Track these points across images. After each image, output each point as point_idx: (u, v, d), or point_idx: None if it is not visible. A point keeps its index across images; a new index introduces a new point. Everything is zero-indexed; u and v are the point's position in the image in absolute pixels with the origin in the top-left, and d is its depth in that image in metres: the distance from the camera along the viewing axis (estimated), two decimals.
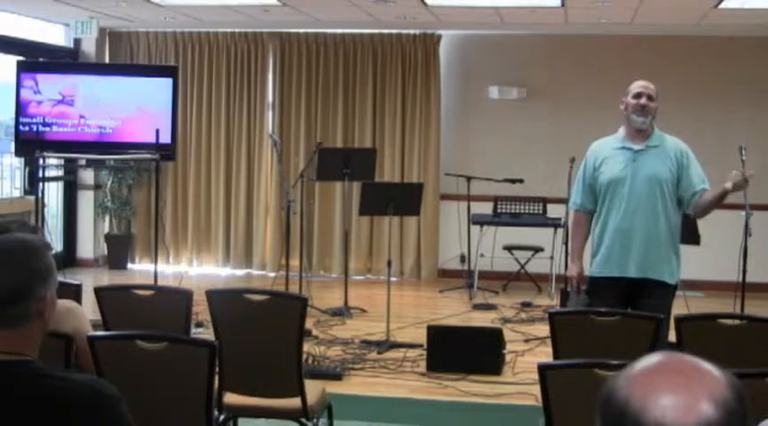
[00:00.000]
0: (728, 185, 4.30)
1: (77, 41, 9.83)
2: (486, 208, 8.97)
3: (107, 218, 10.07)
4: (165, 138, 7.61)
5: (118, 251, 9.95)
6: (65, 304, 2.98)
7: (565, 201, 7.79)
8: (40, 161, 7.38)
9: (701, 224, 6.33)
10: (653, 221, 4.40)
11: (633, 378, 1.08)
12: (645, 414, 1.03)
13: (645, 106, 4.39)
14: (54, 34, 9.63)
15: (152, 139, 7.45)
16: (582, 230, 4.66)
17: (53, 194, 9.71)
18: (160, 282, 7.30)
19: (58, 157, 8.01)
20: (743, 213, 6.41)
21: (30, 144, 7.43)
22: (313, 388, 3.95)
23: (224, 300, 3.98)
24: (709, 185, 4.48)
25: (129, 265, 10.00)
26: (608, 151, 4.53)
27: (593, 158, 4.58)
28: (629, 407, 1.05)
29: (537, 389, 2.93)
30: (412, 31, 9.51)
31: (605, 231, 4.49)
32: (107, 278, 9.36)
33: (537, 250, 8.99)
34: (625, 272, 4.42)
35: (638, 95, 4.42)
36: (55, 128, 7.70)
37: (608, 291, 4.43)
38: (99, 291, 3.97)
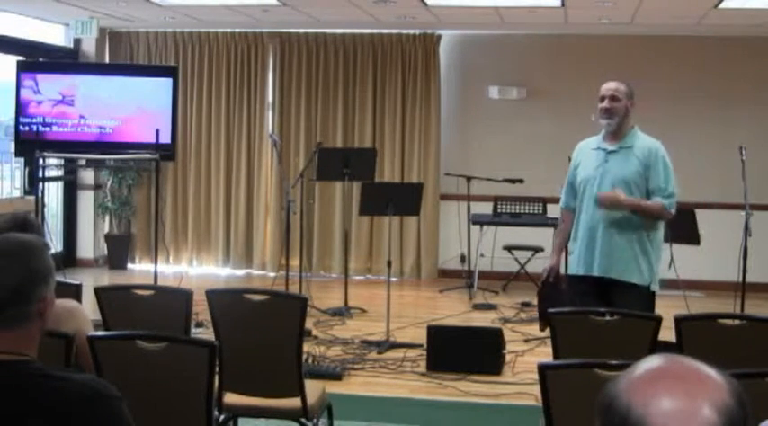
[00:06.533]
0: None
1: (77, 41, 9.83)
2: (486, 208, 8.97)
3: (107, 218, 10.07)
4: (165, 138, 7.62)
5: (118, 251, 9.95)
6: (66, 304, 2.98)
7: None
8: (40, 161, 7.38)
9: (701, 224, 6.33)
10: (617, 221, 4.44)
11: (634, 384, 1.07)
12: (647, 422, 1.03)
13: (608, 109, 4.47)
14: (54, 34, 9.63)
15: (152, 139, 7.46)
16: (563, 227, 4.80)
17: (53, 194, 9.71)
18: (160, 282, 7.30)
19: (58, 157, 8.01)
20: (743, 213, 6.42)
21: (30, 144, 7.43)
22: (313, 388, 3.95)
23: (224, 300, 3.98)
24: (671, 193, 4.41)
25: (129, 265, 10.00)
26: (587, 151, 4.63)
27: (575, 158, 4.71)
28: (631, 414, 1.04)
29: (537, 389, 2.93)
30: (412, 31, 9.51)
31: (577, 230, 4.60)
32: (107, 278, 9.36)
33: (537, 250, 8.99)
34: (590, 271, 4.50)
35: (601, 99, 4.53)
36: (55, 128, 7.70)
37: (579, 289, 4.53)
38: (99, 291, 3.96)
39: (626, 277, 4.43)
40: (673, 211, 4.44)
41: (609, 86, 4.54)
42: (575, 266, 4.59)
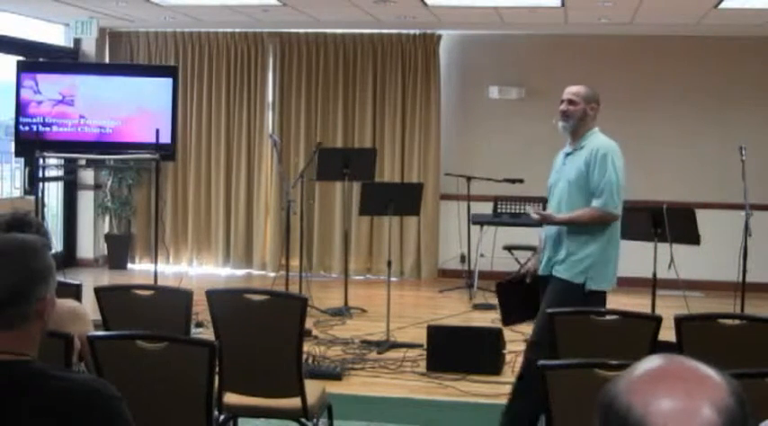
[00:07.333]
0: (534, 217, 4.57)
1: (77, 41, 9.83)
2: (486, 208, 8.97)
3: (107, 218, 10.07)
4: (165, 138, 7.62)
5: (118, 251, 9.95)
6: (69, 304, 2.98)
7: None
8: (40, 161, 7.38)
9: (701, 224, 6.32)
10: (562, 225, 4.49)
11: (634, 384, 1.07)
12: (647, 422, 1.03)
13: (563, 111, 4.56)
14: (54, 34, 9.63)
15: (152, 139, 7.46)
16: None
17: (53, 194, 9.71)
18: (160, 282, 7.30)
19: (58, 157, 8.01)
20: (743, 213, 6.42)
21: (30, 144, 7.43)
22: (313, 388, 3.95)
23: (224, 300, 3.98)
24: (604, 198, 4.34)
25: (129, 265, 10.00)
26: (559, 156, 4.71)
27: (553, 164, 4.79)
28: (631, 415, 1.04)
29: None
30: (412, 31, 9.51)
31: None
32: (107, 278, 9.36)
33: (537, 250, 8.98)
34: (542, 271, 4.58)
35: (561, 102, 4.60)
36: (55, 128, 7.70)
37: (543, 289, 4.57)
38: (99, 291, 3.97)
39: (559, 273, 4.46)
40: (610, 210, 4.35)
41: (568, 90, 4.60)
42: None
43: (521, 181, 8.80)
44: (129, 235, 10.10)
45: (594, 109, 4.55)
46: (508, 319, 5.09)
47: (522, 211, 8.97)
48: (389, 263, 7.13)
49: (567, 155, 4.57)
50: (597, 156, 4.39)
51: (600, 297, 4.41)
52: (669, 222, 6.04)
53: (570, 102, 4.54)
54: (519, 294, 4.78)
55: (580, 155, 4.47)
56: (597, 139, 4.50)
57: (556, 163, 4.71)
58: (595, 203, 4.37)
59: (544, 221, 4.54)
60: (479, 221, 8.86)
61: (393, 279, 7.90)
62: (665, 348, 3.41)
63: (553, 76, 9.48)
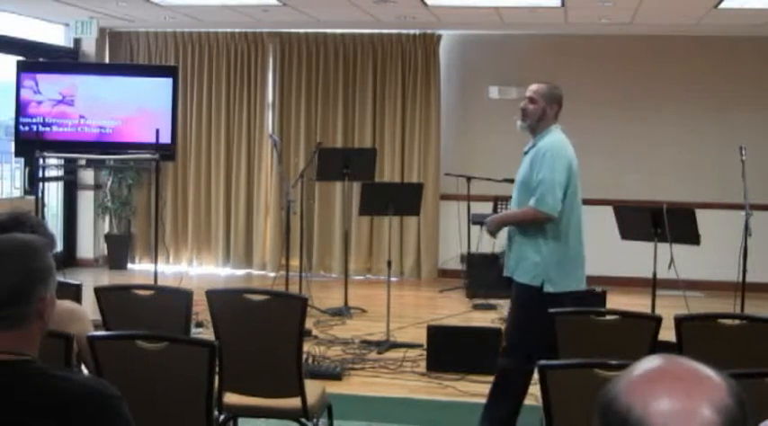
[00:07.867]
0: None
1: (77, 41, 9.83)
2: (486, 208, 8.93)
3: (107, 218, 10.07)
4: (165, 138, 7.62)
5: (118, 251, 9.95)
6: (68, 305, 2.98)
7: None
8: (40, 161, 7.38)
9: (701, 224, 6.32)
10: (516, 227, 4.47)
11: (634, 385, 1.07)
12: (647, 422, 1.03)
13: (522, 109, 4.50)
14: (54, 34, 9.63)
15: (152, 139, 7.46)
16: None
17: (53, 194, 9.71)
18: (160, 282, 7.31)
19: (58, 157, 8.01)
20: (743, 213, 6.42)
21: (30, 144, 7.43)
22: (313, 388, 3.96)
23: (224, 300, 3.98)
24: (536, 197, 4.28)
25: (129, 265, 10.00)
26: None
27: None
28: (631, 415, 1.05)
29: (537, 389, 2.94)
30: (412, 31, 9.51)
31: None
32: (107, 278, 9.36)
33: None
34: (505, 272, 4.54)
35: (522, 99, 4.51)
36: (55, 128, 7.70)
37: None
38: (99, 291, 3.96)
39: (516, 276, 4.43)
40: (541, 209, 4.26)
41: (530, 87, 4.51)
42: None
43: None
44: (129, 234, 10.11)
45: (555, 108, 4.45)
46: (473, 291, 5.05)
47: None
48: (389, 263, 7.13)
49: (525, 154, 4.53)
50: (539, 155, 4.33)
51: (574, 296, 4.30)
52: (669, 222, 6.04)
53: (530, 100, 4.46)
54: (490, 268, 4.77)
55: (531, 154, 4.43)
56: (549, 138, 4.40)
57: None
58: (531, 202, 4.31)
59: (493, 223, 4.59)
60: (479, 221, 8.83)
61: (393, 279, 7.90)
62: (665, 348, 3.41)
63: (553, 76, 9.41)
